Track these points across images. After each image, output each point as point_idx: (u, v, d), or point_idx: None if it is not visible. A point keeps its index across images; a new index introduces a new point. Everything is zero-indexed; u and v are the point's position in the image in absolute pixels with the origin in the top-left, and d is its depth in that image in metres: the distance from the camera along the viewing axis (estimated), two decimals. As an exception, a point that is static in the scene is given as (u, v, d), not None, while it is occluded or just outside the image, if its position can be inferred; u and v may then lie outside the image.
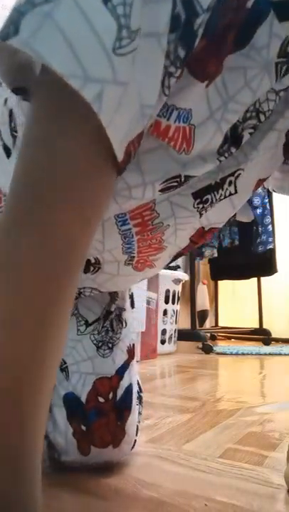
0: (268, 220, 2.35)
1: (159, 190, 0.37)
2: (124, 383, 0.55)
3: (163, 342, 2.01)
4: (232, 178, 0.42)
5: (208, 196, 0.42)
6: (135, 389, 0.57)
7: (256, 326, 2.83)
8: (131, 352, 0.58)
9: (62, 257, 0.28)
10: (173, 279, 2.06)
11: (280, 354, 2.05)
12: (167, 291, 2.06)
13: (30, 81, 0.30)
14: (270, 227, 2.35)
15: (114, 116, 0.25)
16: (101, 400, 0.53)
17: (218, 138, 0.36)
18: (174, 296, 2.11)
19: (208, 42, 0.30)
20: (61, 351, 0.30)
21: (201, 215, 0.44)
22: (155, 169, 0.36)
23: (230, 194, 0.44)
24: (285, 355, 2.03)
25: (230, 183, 0.42)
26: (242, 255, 2.43)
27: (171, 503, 0.46)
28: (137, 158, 0.35)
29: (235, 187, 0.43)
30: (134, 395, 0.56)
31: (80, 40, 0.24)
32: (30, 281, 0.27)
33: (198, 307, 2.61)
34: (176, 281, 2.10)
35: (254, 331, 2.76)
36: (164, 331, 2.03)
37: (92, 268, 0.48)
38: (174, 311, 2.13)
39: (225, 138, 0.37)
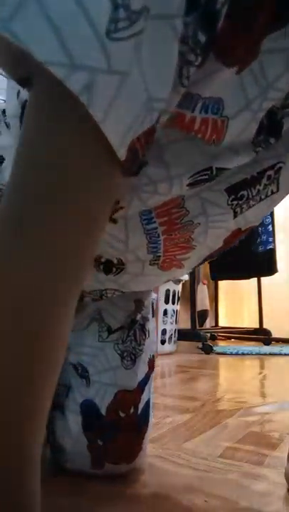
0: (268, 220, 2.35)
1: (188, 185, 0.34)
2: (144, 397, 0.53)
3: (163, 342, 2.01)
4: (271, 173, 0.38)
5: (244, 192, 0.38)
6: (152, 400, 0.55)
7: (256, 326, 2.82)
8: (151, 363, 0.56)
9: (61, 264, 0.26)
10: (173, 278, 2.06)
11: (280, 354, 2.05)
12: (167, 291, 2.06)
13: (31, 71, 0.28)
14: (270, 227, 2.35)
15: (110, 110, 0.22)
16: (122, 414, 0.51)
17: (252, 127, 0.32)
18: (174, 296, 2.11)
19: (234, 22, 0.25)
20: (62, 353, 0.29)
21: (235, 213, 0.39)
22: (181, 162, 0.32)
23: (273, 193, 0.40)
24: (285, 355, 2.03)
25: (269, 178, 0.38)
26: (242, 255, 2.43)
27: (171, 500, 0.46)
28: (159, 149, 0.31)
29: (278, 185, 0.39)
30: (152, 407, 0.55)
31: (67, 21, 0.20)
32: (25, 292, 0.25)
33: (198, 307, 2.60)
34: (176, 281, 2.10)
35: (254, 331, 2.76)
36: (164, 331, 2.03)
37: (114, 269, 0.44)
38: (174, 311, 2.13)
39: (260, 126, 0.33)
